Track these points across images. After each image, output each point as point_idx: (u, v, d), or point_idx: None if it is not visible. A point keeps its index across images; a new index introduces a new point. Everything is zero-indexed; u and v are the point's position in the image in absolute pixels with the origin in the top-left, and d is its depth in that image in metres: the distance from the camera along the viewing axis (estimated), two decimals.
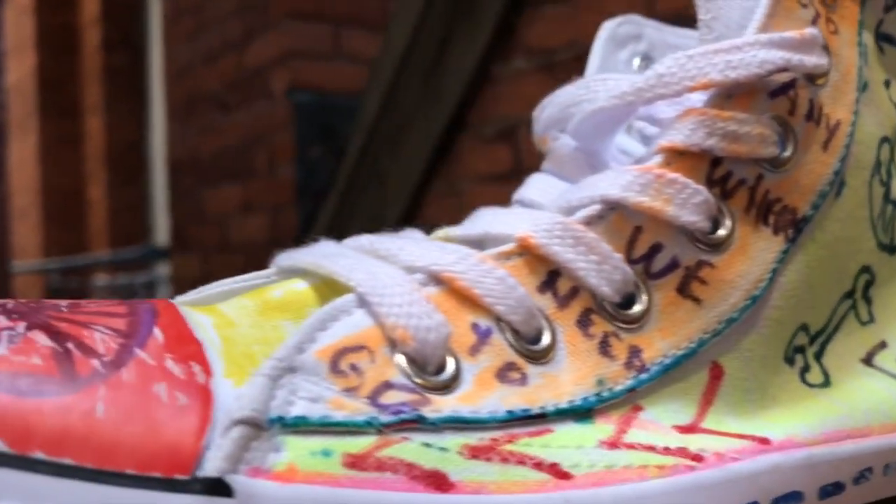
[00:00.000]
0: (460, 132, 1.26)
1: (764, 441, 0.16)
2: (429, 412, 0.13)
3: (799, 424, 0.17)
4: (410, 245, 0.16)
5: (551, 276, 0.16)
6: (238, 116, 1.54)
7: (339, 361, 0.14)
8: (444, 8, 1.17)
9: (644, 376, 0.16)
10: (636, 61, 0.24)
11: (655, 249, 0.17)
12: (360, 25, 1.50)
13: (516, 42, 1.24)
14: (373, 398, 0.13)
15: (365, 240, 0.17)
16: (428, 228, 0.19)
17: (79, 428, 0.12)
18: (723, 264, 0.17)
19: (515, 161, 1.24)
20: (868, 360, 0.19)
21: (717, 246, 0.17)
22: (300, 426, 0.13)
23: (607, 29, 0.24)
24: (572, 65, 1.19)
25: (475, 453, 0.13)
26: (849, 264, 0.19)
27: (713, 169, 0.17)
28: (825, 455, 0.17)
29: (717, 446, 0.16)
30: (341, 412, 0.13)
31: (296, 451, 0.12)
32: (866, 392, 0.19)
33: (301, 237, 0.20)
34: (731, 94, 0.17)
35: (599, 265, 0.16)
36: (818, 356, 0.18)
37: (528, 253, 0.16)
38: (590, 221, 0.16)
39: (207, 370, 0.13)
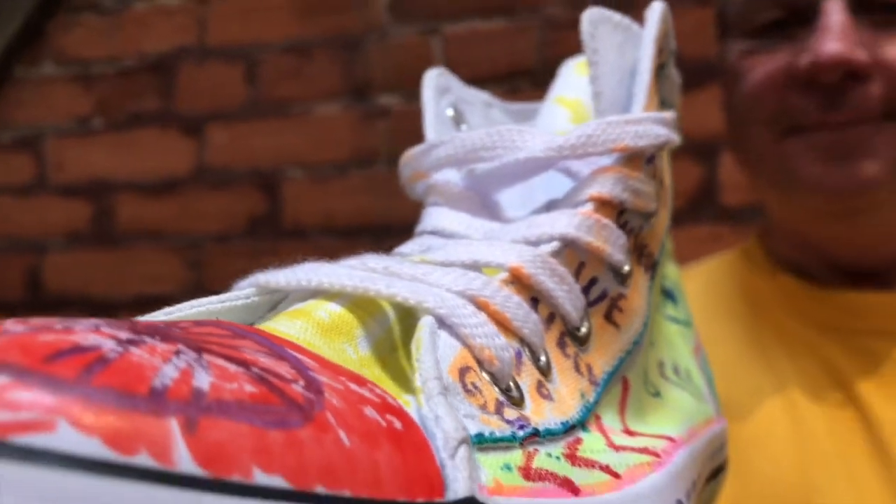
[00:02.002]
0: None
1: (671, 439, 0.20)
2: (537, 426, 0.15)
3: (673, 426, 0.21)
4: (428, 269, 0.17)
5: (533, 302, 0.18)
6: None
7: (465, 380, 0.14)
8: None
9: (599, 389, 0.19)
10: (449, 111, 0.27)
11: (592, 282, 0.20)
12: None
13: (46, 46, 1.15)
14: (500, 414, 0.14)
15: (371, 261, 0.17)
16: None
17: (338, 459, 0.11)
18: (630, 295, 0.21)
19: (39, 173, 1.14)
20: (663, 374, 0.25)
21: (625, 280, 0.21)
22: (481, 444, 0.13)
23: (430, 79, 0.26)
24: (113, 80, 1.14)
25: (571, 460, 0.15)
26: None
27: (619, 217, 0.21)
28: (695, 449, 0.21)
29: (654, 444, 0.19)
30: (491, 428, 0.14)
31: (489, 467, 0.13)
32: (676, 399, 0.24)
33: None
34: (632, 158, 0.21)
35: (569, 294, 0.19)
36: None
37: (518, 282, 0.18)
38: (555, 255, 0.19)
39: (383, 390, 0.13)
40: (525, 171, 0.21)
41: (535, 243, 0.19)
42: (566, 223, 0.19)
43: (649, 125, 0.21)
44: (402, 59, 1.03)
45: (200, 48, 1.11)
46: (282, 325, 0.15)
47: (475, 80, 1.06)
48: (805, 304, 0.60)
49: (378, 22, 1.04)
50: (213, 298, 0.16)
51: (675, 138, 0.22)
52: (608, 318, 0.20)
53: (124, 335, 0.11)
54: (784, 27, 0.55)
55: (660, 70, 0.24)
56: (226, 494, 0.10)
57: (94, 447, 0.09)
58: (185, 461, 0.10)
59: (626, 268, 0.21)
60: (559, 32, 0.97)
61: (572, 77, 0.26)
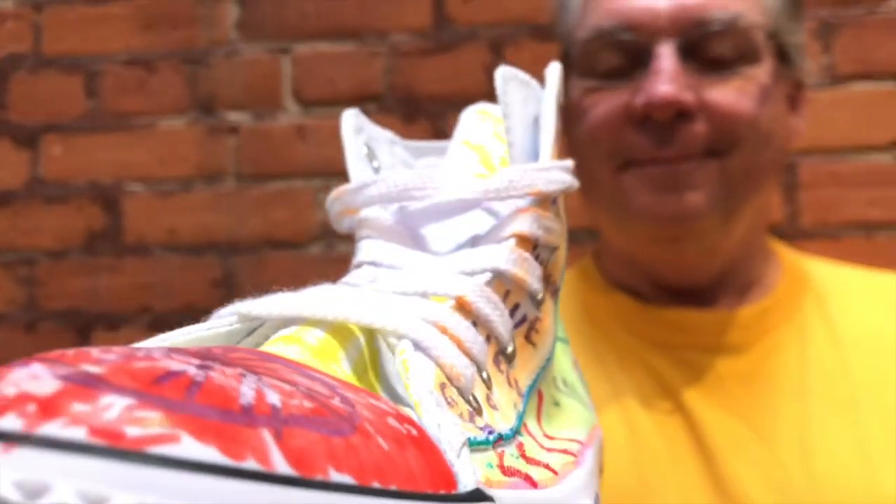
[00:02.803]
0: None
1: (580, 442, 0.23)
2: (500, 431, 0.17)
3: (577, 431, 0.25)
4: (390, 298, 0.19)
5: (473, 325, 0.21)
6: None
7: (445, 394, 0.17)
8: None
9: (525, 401, 0.22)
10: (363, 149, 0.30)
11: (516, 307, 0.23)
12: None
13: None
14: (473, 423, 0.17)
15: (335, 291, 0.19)
16: None
17: (383, 460, 0.13)
18: (543, 318, 0.24)
19: None
20: (557, 386, 0.28)
21: (540, 305, 0.24)
22: (470, 445, 0.16)
23: (348, 118, 0.29)
24: None
25: (525, 460, 0.18)
26: None
27: (534, 250, 0.24)
28: (594, 449, 0.25)
29: (569, 447, 0.22)
30: (472, 434, 0.16)
31: (478, 465, 0.15)
32: (571, 407, 0.27)
33: None
34: (543, 200, 0.24)
35: (501, 318, 0.22)
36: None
37: (462, 308, 0.21)
38: (488, 285, 0.22)
39: (393, 403, 0.15)
40: (453, 209, 0.24)
41: (471, 274, 0.22)
42: (496, 257, 0.22)
43: (557, 172, 0.25)
44: (250, 76, 1.03)
45: (35, 57, 1.06)
46: (281, 350, 0.17)
47: (323, 101, 1.10)
48: (635, 321, 0.66)
49: (225, 38, 1.04)
50: (200, 326, 0.18)
51: (576, 183, 0.26)
52: (528, 338, 0.23)
53: (196, 361, 0.13)
54: (622, 68, 0.61)
55: (556, 120, 0.27)
56: (313, 490, 0.12)
57: (213, 455, 0.11)
58: (280, 464, 0.12)
59: (541, 295, 0.24)
60: (406, 59, 1.01)
61: (475, 122, 0.30)
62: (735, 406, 0.62)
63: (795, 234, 0.93)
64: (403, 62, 1.01)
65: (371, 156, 0.29)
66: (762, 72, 0.61)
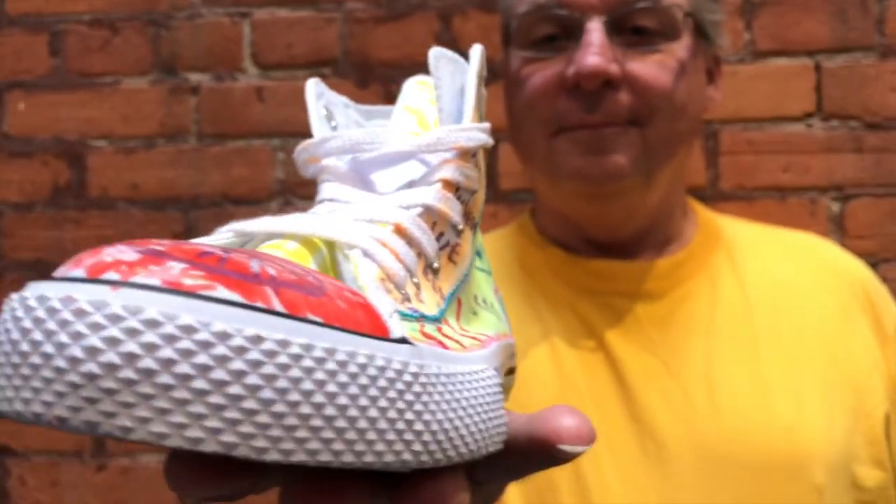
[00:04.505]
0: None
1: (487, 335, 0.31)
2: (423, 312, 0.25)
3: (487, 330, 0.32)
4: (346, 221, 0.26)
5: (407, 245, 0.28)
6: None
7: (384, 285, 0.24)
8: None
9: (445, 304, 0.29)
10: (322, 111, 0.36)
11: (441, 234, 0.30)
12: None
13: None
14: (404, 305, 0.24)
15: (305, 216, 0.26)
16: None
17: (340, 312, 0.20)
18: (462, 244, 0.31)
19: None
20: (476, 302, 0.36)
21: (460, 234, 0.31)
22: (399, 316, 0.23)
23: (310, 86, 0.36)
24: None
25: (441, 333, 0.25)
26: None
27: (456, 192, 0.31)
28: (500, 345, 0.32)
29: (479, 336, 0.30)
30: (402, 309, 0.23)
31: (404, 329, 0.22)
32: (486, 317, 0.35)
33: None
34: (464, 153, 0.32)
35: (429, 241, 0.29)
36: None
37: (399, 232, 0.28)
38: (420, 217, 0.29)
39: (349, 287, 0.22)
40: (393, 159, 0.31)
41: (407, 208, 0.29)
42: (426, 195, 0.29)
43: (475, 132, 0.32)
44: (212, 39, 1.08)
45: (0, 15, 1.10)
46: (269, 252, 0.24)
47: (281, 64, 1.15)
48: (565, 270, 0.73)
49: (187, 2, 1.09)
50: (205, 238, 0.25)
51: (490, 140, 0.33)
52: (450, 258, 0.30)
53: (219, 250, 0.20)
54: (556, 40, 0.68)
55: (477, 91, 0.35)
56: (296, 321, 0.19)
57: (237, 297, 0.18)
58: (277, 306, 0.19)
59: (461, 226, 0.31)
60: (360, 26, 1.07)
61: (414, 91, 0.36)
62: (651, 346, 0.70)
63: (716, 196, 1.02)
64: (358, 29, 1.07)
65: (329, 117, 0.36)
66: (680, 47, 0.68)
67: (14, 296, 0.19)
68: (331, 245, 0.26)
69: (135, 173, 1.08)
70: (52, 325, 0.17)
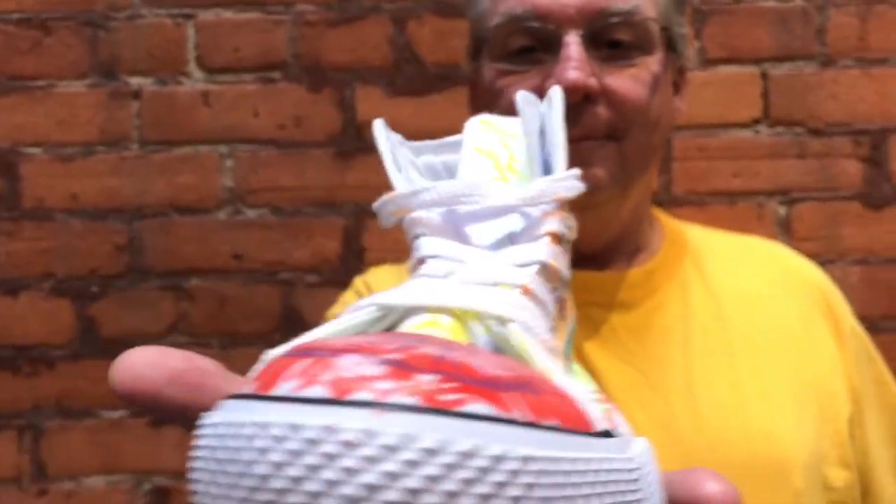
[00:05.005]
0: None
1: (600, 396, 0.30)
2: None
3: (590, 386, 0.31)
4: (502, 294, 0.25)
5: (536, 307, 0.27)
6: None
7: (553, 357, 0.23)
8: None
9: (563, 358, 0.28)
10: (390, 155, 0.35)
11: (554, 289, 0.29)
12: None
13: None
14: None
15: (445, 285, 0.25)
16: None
17: (562, 410, 0.19)
18: (568, 297, 0.30)
19: None
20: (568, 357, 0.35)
21: (566, 289, 0.30)
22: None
23: (381, 128, 0.34)
24: None
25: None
26: None
27: (560, 244, 0.30)
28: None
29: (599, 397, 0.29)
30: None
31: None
32: (578, 371, 0.34)
33: None
34: (563, 203, 0.31)
35: (549, 298, 0.28)
36: None
37: (528, 294, 0.27)
38: (538, 274, 0.28)
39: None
40: (493, 213, 0.30)
41: (523, 266, 0.28)
42: (539, 252, 0.28)
43: (572, 181, 0.31)
44: (153, 41, 1.04)
45: None
46: (432, 332, 0.23)
47: (228, 68, 1.11)
48: None
49: (127, 2, 1.04)
50: (344, 318, 0.23)
51: (583, 187, 0.32)
52: (560, 313, 0.30)
53: (432, 345, 0.19)
54: (531, 52, 0.67)
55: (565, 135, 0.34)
56: (544, 431, 0.18)
57: (493, 411, 0.17)
58: (527, 414, 0.18)
59: (568, 279, 0.30)
60: (310, 29, 1.04)
61: (480, 132, 0.35)
62: (628, 356, 0.70)
63: (669, 201, 1.04)
64: (308, 32, 1.04)
65: (397, 164, 0.34)
66: (654, 61, 0.69)
67: (238, 417, 0.17)
68: (475, 315, 0.25)
69: (73, 182, 1.03)
70: (314, 460, 0.15)
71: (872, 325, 0.70)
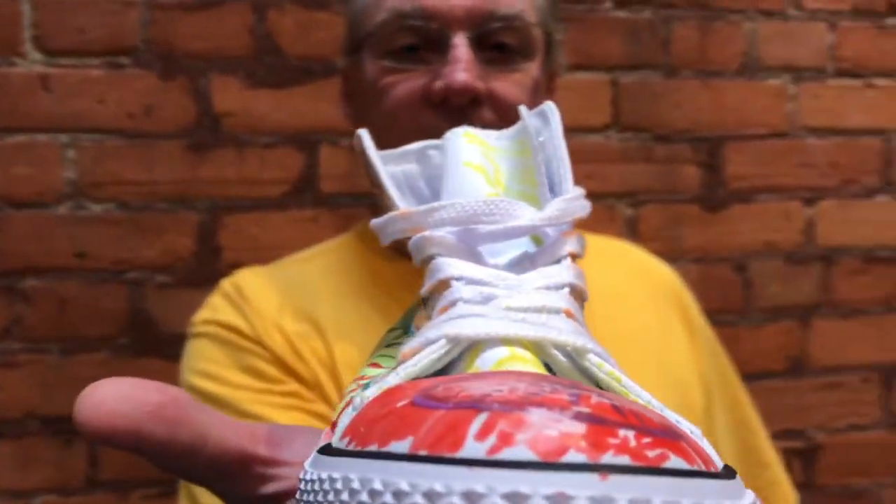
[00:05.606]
0: None
1: None
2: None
3: None
4: (555, 320, 0.25)
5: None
6: None
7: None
8: None
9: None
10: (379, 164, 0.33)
11: (581, 310, 0.29)
12: None
13: None
14: None
15: (513, 314, 0.24)
16: None
17: (701, 452, 0.19)
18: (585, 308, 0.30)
19: None
20: None
21: (583, 303, 0.30)
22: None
23: (367, 138, 0.32)
24: None
25: None
26: None
27: (574, 263, 0.30)
28: None
29: None
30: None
31: None
32: None
33: None
34: (577, 223, 0.30)
35: (581, 318, 0.28)
36: None
37: (570, 317, 0.26)
38: (571, 295, 0.28)
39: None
40: (510, 232, 0.29)
41: (556, 288, 0.28)
42: (566, 274, 0.28)
43: (583, 200, 0.31)
44: None
45: None
46: (520, 367, 0.22)
47: (71, 51, 1.04)
48: (418, 283, 0.73)
49: None
50: (422, 355, 0.22)
51: (590, 206, 0.32)
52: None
53: (611, 397, 0.18)
54: (417, 51, 0.67)
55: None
56: (704, 479, 0.17)
57: (685, 464, 0.17)
58: (700, 464, 0.17)
59: (587, 299, 0.30)
60: (164, 13, 0.98)
61: (465, 146, 0.34)
62: None
63: None
64: (161, 16, 0.97)
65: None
66: (535, 66, 0.70)
67: (426, 483, 0.15)
68: (547, 344, 0.24)
69: None
70: None
71: (709, 318, 0.76)
